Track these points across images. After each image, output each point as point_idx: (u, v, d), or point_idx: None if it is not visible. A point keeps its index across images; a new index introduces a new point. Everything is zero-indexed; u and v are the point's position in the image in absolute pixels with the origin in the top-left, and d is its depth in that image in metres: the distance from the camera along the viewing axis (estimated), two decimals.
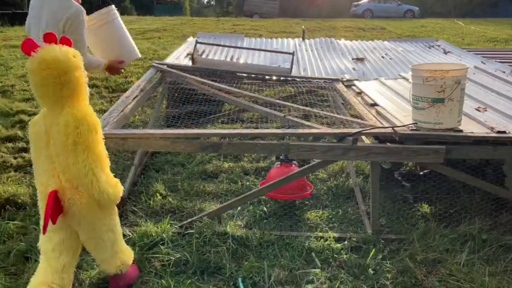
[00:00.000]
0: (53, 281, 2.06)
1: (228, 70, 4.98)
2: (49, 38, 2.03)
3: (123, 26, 3.54)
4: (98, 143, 2.03)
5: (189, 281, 2.47)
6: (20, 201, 3.40)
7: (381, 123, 3.30)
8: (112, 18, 3.42)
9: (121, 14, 3.97)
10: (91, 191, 1.99)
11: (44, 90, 2.00)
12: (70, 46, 2.09)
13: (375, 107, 3.75)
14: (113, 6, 3.49)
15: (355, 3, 27.33)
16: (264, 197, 3.47)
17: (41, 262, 2.14)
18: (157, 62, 5.07)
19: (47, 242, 2.14)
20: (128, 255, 2.40)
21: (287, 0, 30.75)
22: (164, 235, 2.81)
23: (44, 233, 2.06)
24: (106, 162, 2.08)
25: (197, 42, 5.64)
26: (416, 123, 3.07)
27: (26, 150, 4.53)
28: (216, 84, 4.33)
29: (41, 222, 2.10)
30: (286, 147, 2.94)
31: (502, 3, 30.50)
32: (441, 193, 3.54)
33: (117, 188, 2.11)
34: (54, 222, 2.04)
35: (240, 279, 2.48)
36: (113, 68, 3.49)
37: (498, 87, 3.93)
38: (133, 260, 2.46)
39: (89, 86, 2.19)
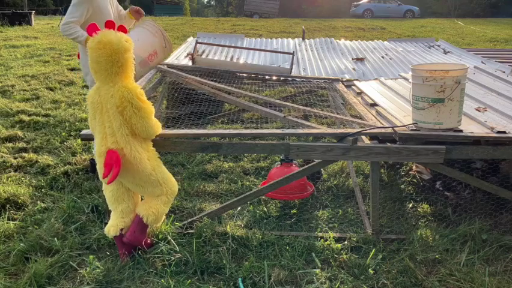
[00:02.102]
0: (117, 223, 2.66)
1: (228, 70, 4.98)
2: (109, 25, 2.55)
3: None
4: (145, 103, 2.59)
5: (189, 281, 2.47)
6: (20, 201, 3.40)
7: (381, 123, 3.30)
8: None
9: None
10: (146, 133, 2.61)
11: (98, 65, 2.49)
12: (125, 33, 2.62)
13: (375, 107, 3.75)
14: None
15: (355, 3, 27.36)
16: (264, 197, 3.47)
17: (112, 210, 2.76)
18: None
19: (106, 195, 2.73)
20: (161, 211, 2.72)
21: (287, 0, 30.77)
22: (164, 235, 2.81)
23: (107, 183, 2.54)
24: (151, 111, 2.63)
25: (197, 42, 5.62)
26: (416, 123, 3.07)
27: (26, 150, 4.54)
28: (216, 84, 4.32)
29: (100, 176, 2.61)
30: (286, 147, 2.94)
31: (502, 3, 30.53)
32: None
33: (158, 126, 2.73)
34: (103, 177, 2.51)
35: (240, 279, 2.49)
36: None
37: (498, 87, 3.93)
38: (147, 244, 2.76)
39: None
